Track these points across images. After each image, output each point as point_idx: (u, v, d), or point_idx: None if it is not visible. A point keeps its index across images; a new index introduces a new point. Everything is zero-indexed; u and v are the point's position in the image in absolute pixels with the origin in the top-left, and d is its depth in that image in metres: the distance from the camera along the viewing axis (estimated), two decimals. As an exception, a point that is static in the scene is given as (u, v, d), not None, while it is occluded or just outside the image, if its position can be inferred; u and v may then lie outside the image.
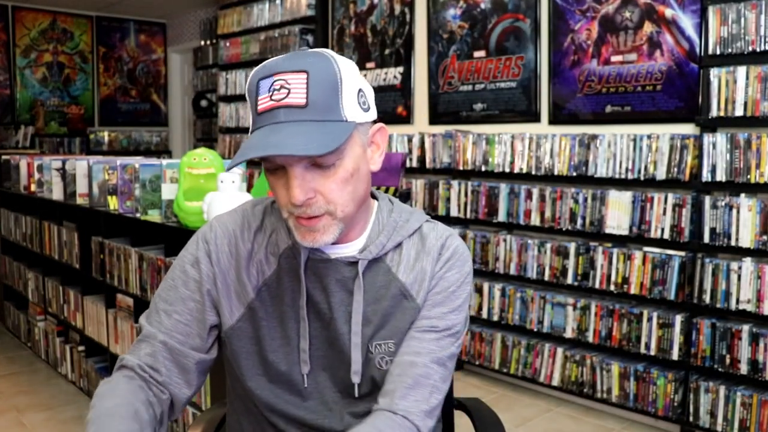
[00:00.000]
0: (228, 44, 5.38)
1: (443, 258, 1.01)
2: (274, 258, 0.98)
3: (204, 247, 1.00)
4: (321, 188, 0.87)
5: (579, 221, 3.08)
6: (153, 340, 0.97)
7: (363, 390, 0.99)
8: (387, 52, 4.22)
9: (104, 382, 0.95)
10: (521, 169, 3.32)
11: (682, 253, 2.78)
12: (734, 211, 2.62)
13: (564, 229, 3.13)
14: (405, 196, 3.31)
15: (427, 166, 3.76)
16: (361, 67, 4.34)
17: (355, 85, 0.89)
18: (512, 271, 3.33)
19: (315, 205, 0.88)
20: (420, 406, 0.92)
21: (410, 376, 0.93)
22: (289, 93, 0.84)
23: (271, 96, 0.85)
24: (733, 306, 2.61)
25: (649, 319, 2.85)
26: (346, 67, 0.88)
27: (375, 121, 0.95)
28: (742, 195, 2.62)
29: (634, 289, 2.89)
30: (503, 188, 3.36)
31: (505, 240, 3.36)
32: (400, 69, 4.11)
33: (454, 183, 3.59)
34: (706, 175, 2.68)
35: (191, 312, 0.98)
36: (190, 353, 0.97)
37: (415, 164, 3.83)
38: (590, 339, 3.04)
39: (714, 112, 2.67)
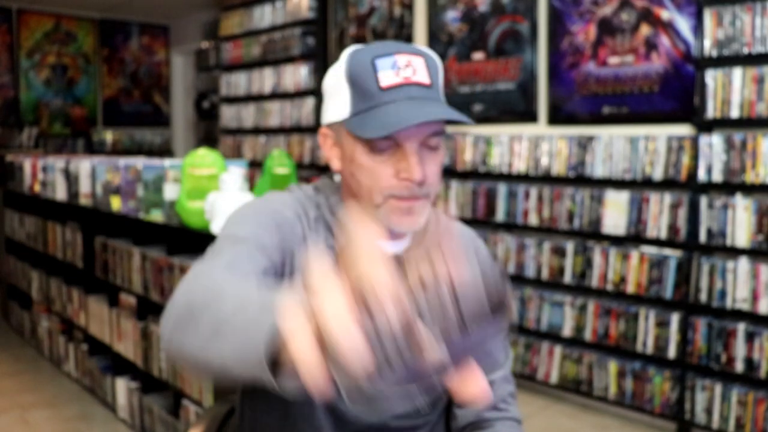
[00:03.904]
0: (230, 46, 5.42)
1: (482, 256, 1.06)
2: (332, 253, 0.95)
3: (280, 224, 0.92)
4: (427, 169, 0.89)
5: (576, 221, 3.11)
6: (247, 242, 0.86)
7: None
8: (387, 53, 4.24)
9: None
10: (519, 169, 3.34)
11: (679, 253, 2.81)
12: (730, 211, 2.64)
13: (562, 229, 3.16)
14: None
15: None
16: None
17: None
18: (511, 270, 3.35)
19: (424, 184, 0.88)
20: (516, 406, 1.07)
21: (508, 382, 1.06)
22: (415, 72, 0.87)
23: (397, 73, 0.87)
24: (728, 305, 2.64)
25: (646, 318, 2.87)
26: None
27: None
28: (738, 195, 2.64)
29: (631, 289, 2.92)
30: (502, 189, 3.39)
31: (503, 240, 3.39)
32: (401, 70, 4.14)
33: (453, 183, 3.62)
34: (702, 176, 2.71)
35: (272, 247, 0.89)
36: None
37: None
38: (588, 337, 3.07)
39: (710, 114, 2.70)
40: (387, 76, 0.86)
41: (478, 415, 1.04)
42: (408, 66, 0.87)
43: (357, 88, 0.88)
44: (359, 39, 4.44)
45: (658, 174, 2.86)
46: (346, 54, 0.91)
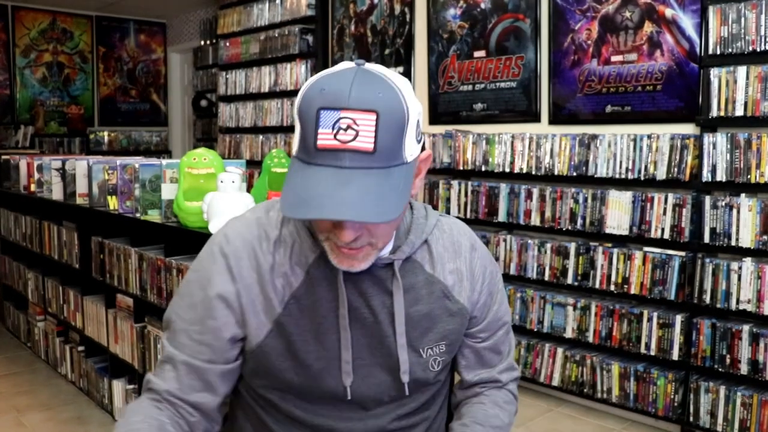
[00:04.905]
0: (228, 44, 5.38)
1: (477, 255, 1.05)
2: (301, 269, 0.94)
3: (223, 261, 0.95)
4: (369, 226, 0.85)
5: (579, 221, 3.08)
6: (175, 362, 0.95)
7: (411, 389, 0.99)
8: (387, 52, 4.22)
9: (132, 402, 0.97)
10: (521, 169, 3.31)
11: (683, 253, 2.78)
12: (734, 211, 2.61)
13: (564, 229, 3.13)
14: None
15: (427, 166, 3.75)
16: (361, 66, 4.34)
17: (416, 119, 0.84)
18: (512, 271, 3.32)
19: (360, 240, 0.85)
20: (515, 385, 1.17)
21: (512, 369, 1.15)
22: (356, 136, 0.78)
23: (335, 134, 0.78)
24: (733, 306, 2.61)
25: (650, 319, 2.84)
26: (411, 100, 0.83)
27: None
28: (743, 195, 2.61)
29: (634, 289, 2.89)
30: (503, 188, 3.36)
31: (505, 240, 3.36)
32: (400, 69, 4.11)
33: (454, 183, 3.58)
34: (706, 175, 2.67)
35: (214, 331, 0.94)
36: (215, 368, 0.95)
37: (415, 164, 3.82)
38: (590, 339, 3.04)
39: (714, 112, 2.67)
40: (325, 136, 0.78)
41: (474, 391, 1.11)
42: (350, 128, 0.78)
43: (302, 133, 0.82)
44: (359, 37, 4.41)
45: (661, 173, 2.83)
46: (305, 86, 0.85)
